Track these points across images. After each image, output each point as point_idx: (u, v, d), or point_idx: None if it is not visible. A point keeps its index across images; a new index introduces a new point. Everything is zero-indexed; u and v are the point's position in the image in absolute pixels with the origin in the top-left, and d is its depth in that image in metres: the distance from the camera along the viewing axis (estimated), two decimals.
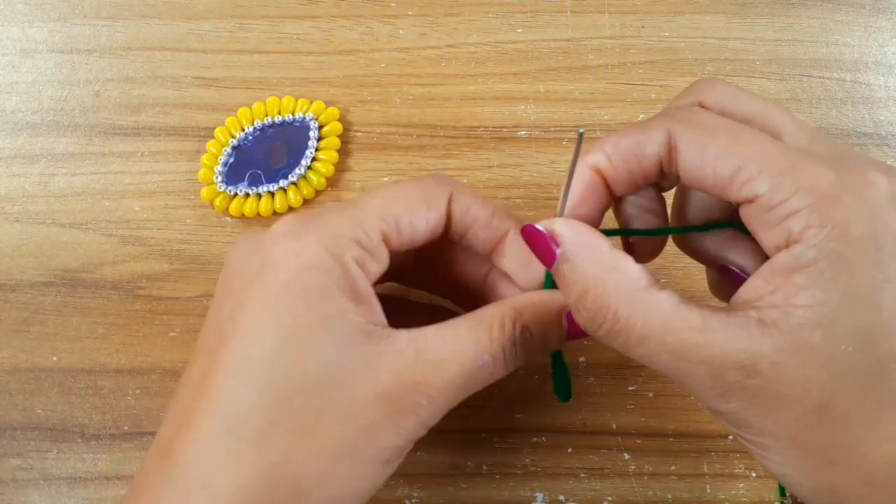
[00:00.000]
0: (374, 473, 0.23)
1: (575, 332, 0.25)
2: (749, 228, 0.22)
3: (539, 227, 0.23)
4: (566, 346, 0.26)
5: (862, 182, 0.20)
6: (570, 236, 0.22)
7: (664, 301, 0.21)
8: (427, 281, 0.31)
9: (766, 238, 0.21)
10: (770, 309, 0.20)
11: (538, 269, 0.26)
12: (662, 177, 0.23)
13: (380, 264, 0.25)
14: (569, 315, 0.25)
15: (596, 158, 0.23)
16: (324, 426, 0.22)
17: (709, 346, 0.20)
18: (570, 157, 0.39)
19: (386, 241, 0.25)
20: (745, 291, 0.21)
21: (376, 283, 0.25)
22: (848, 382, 0.19)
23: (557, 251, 0.22)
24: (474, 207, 0.26)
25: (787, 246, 0.20)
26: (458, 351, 0.23)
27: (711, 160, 0.21)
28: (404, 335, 0.24)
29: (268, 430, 0.22)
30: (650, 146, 0.22)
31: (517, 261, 0.27)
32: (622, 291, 0.21)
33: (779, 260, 0.20)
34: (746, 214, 0.21)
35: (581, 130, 0.22)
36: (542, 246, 0.22)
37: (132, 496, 0.23)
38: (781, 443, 0.21)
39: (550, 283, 0.26)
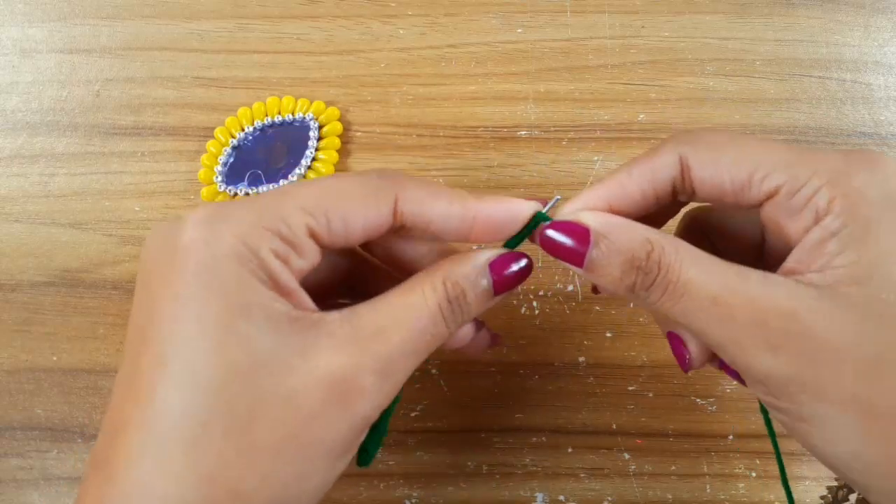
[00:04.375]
0: (323, 469, 0.22)
1: (501, 282, 0.24)
2: (774, 225, 0.23)
3: (566, 219, 0.24)
4: (489, 303, 0.25)
5: (866, 159, 0.22)
6: (600, 219, 0.23)
7: (701, 252, 0.22)
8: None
9: (795, 225, 0.22)
10: (806, 274, 0.21)
11: (519, 226, 0.26)
12: (672, 197, 0.25)
13: (306, 259, 0.23)
14: (493, 266, 0.24)
15: (611, 191, 0.24)
16: (260, 422, 0.20)
17: (749, 292, 0.21)
18: (569, 157, 0.39)
19: (314, 236, 0.23)
20: (779, 271, 0.22)
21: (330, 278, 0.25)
22: None
23: (591, 236, 0.23)
24: (428, 200, 0.24)
25: (816, 223, 0.21)
26: (395, 318, 0.23)
27: (727, 169, 0.23)
28: (335, 316, 0.22)
29: (199, 434, 0.20)
30: (663, 170, 0.24)
31: (496, 232, 0.25)
32: (666, 247, 0.22)
33: (810, 237, 0.21)
34: (769, 211, 0.23)
35: (557, 197, 0.25)
36: (573, 235, 0.23)
37: None
38: (842, 408, 0.20)
39: (522, 236, 0.25)
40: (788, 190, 0.22)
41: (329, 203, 0.23)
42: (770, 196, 0.22)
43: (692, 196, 0.24)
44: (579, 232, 0.23)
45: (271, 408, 0.21)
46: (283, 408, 0.21)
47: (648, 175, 0.24)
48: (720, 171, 0.23)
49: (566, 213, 0.25)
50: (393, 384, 0.22)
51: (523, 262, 0.25)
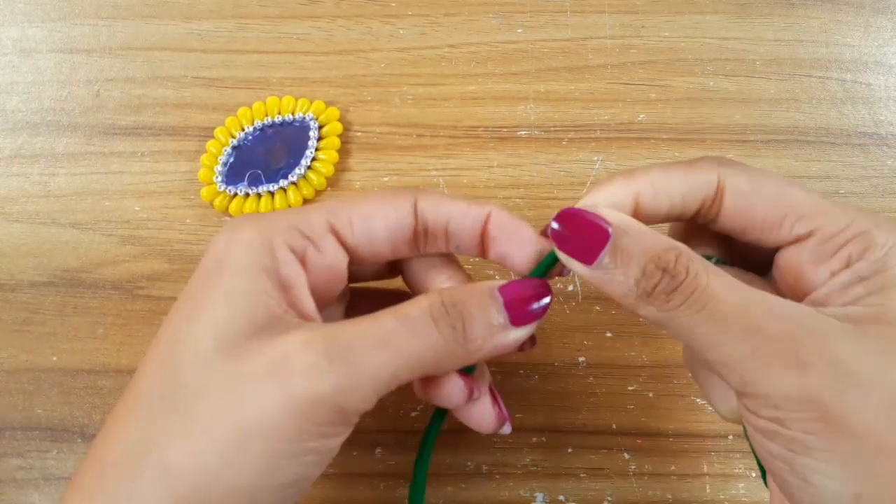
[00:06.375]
0: (257, 462, 0.20)
1: (517, 315, 0.23)
2: (791, 267, 0.23)
3: (583, 207, 0.23)
4: (506, 334, 0.23)
5: (886, 219, 0.22)
6: (618, 216, 0.22)
7: (717, 268, 0.21)
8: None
9: (819, 269, 0.22)
10: (828, 308, 0.21)
11: (531, 250, 0.25)
12: (694, 217, 0.24)
13: (327, 256, 0.24)
14: (504, 290, 0.23)
15: (642, 186, 0.23)
16: (205, 401, 0.21)
17: (776, 308, 0.20)
18: (569, 157, 0.39)
19: (336, 233, 0.24)
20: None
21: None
22: None
23: (609, 228, 0.22)
24: (445, 202, 0.25)
25: (847, 267, 0.21)
26: (374, 316, 0.22)
27: (762, 204, 0.22)
28: (320, 322, 0.22)
29: (156, 406, 0.21)
30: (699, 185, 0.23)
31: (508, 242, 0.25)
32: (692, 254, 0.21)
33: (836, 280, 0.21)
34: (791, 254, 0.23)
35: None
36: (589, 226, 0.22)
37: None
38: (856, 441, 0.18)
39: (541, 271, 0.25)
40: (822, 236, 0.22)
41: (352, 206, 0.24)
42: (797, 240, 0.22)
43: (711, 223, 0.24)
44: (596, 225, 0.22)
45: (218, 388, 0.21)
46: (226, 385, 0.21)
47: (683, 185, 0.23)
48: (755, 204, 0.22)
49: (585, 203, 0.23)
50: (350, 376, 0.21)
51: (540, 290, 0.24)
